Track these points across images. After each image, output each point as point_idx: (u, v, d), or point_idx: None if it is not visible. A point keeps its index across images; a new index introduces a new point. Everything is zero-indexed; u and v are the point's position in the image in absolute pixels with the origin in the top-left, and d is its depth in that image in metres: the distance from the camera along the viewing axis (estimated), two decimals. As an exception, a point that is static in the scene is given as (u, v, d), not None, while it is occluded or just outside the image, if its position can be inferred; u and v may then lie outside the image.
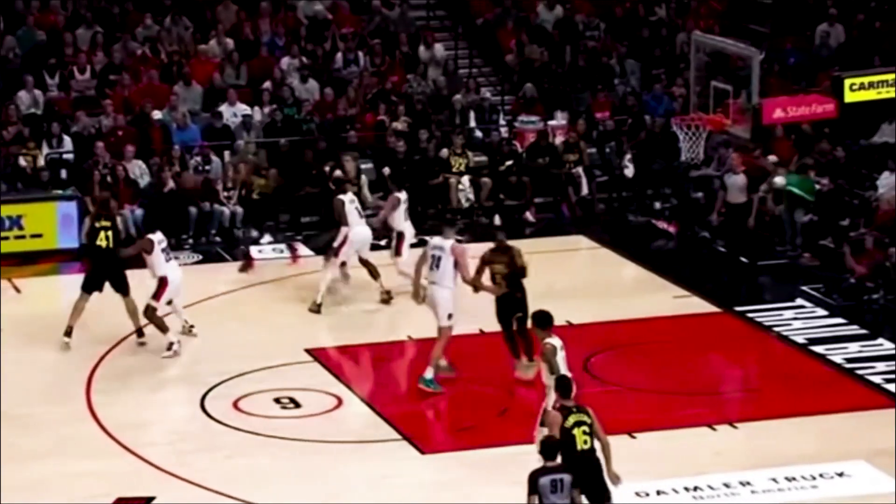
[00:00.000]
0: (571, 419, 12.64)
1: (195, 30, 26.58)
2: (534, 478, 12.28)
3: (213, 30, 26.43)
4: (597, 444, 12.69)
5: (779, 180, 21.41)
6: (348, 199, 19.56)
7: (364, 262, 19.62)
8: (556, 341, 14.34)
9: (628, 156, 24.36)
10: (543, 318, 14.62)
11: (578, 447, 12.58)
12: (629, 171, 24.29)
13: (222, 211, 23.04)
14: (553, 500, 12.23)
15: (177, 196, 22.90)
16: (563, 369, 14.10)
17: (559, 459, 12.30)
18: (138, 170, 23.30)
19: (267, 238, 22.99)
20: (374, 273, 19.60)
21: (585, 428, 12.63)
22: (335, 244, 19.45)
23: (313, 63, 26.25)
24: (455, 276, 16.58)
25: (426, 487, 14.73)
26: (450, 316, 16.59)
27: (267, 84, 25.55)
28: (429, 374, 16.60)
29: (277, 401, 16.71)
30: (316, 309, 19.23)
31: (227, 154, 24.06)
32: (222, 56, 26.06)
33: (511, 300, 17.07)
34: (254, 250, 22.31)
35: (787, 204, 22.10)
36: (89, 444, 15.62)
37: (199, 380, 17.21)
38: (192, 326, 18.55)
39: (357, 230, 19.43)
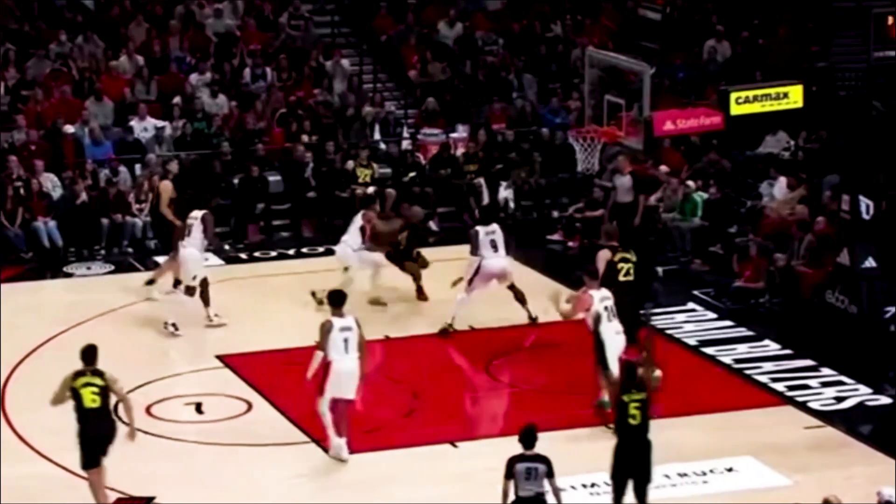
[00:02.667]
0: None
1: (106, 46, 26.37)
2: (511, 464, 12.41)
3: (124, 47, 26.24)
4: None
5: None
6: (483, 231, 18.88)
7: (511, 288, 19.05)
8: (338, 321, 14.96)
9: (505, 183, 24.52)
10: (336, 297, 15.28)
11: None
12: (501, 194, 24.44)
13: (134, 222, 22.88)
14: (527, 486, 12.30)
15: (89, 208, 22.73)
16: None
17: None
18: (50, 183, 23.10)
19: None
20: (520, 299, 19.01)
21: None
22: (468, 274, 18.78)
23: (222, 78, 26.14)
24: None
25: (336, 489, 14.72)
26: None
27: (177, 99, 25.40)
28: None
29: (189, 406, 16.62)
30: (447, 328, 18.82)
31: (137, 167, 23.90)
32: (133, 72, 25.88)
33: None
34: (163, 260, 22.17)
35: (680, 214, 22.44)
36: (2, 449, 15.41)
37: (112, 386, 17.04)
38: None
39: (490, 262, 18.76)
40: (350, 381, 14.92)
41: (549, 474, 12.48)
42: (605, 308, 15.95)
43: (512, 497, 12.46)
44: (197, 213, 19.04)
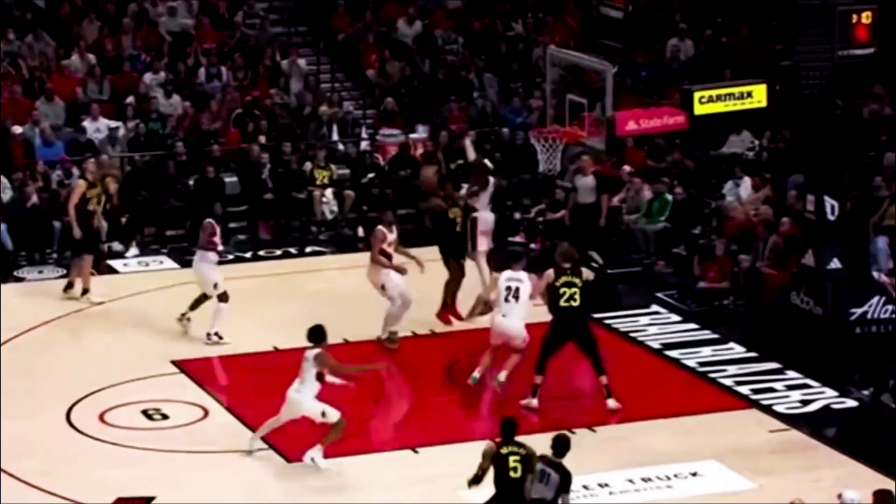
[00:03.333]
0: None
1: (57, 45, 26.19)
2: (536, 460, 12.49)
3: (76, 45, 26.07)
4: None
5: None
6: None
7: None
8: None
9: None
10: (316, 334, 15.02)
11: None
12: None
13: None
14: (539, 489, 12.33)
15: (40, 210, 22.54)
16: None
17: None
18: (0, 185, 22.91)
19: (133, 251, 22.72)
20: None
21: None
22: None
23: (176, 78, 26.01)
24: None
25: (293, 496, 14.64)
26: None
27: (130, 99, 25.25)
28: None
29: (144, 413, 16.51)
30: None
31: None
32: (85, 71, 25.71)
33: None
34: (118, 264, 22.08)
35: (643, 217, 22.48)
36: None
37: (64, 392, 16.92)
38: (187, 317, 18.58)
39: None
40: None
41: (564, 489, 12.39)
42: (507, 288, 16.59)
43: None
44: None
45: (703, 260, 20.74)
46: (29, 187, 22.66)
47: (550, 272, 16.52)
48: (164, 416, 16.45)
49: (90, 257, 20.44)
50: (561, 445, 12.57)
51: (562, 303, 16.35)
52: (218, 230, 18.79)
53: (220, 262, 18.99)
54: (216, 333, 18.48)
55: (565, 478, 12.42)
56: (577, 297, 16.32)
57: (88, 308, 19.99)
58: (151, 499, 14.18)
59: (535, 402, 16.46)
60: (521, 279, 16.80)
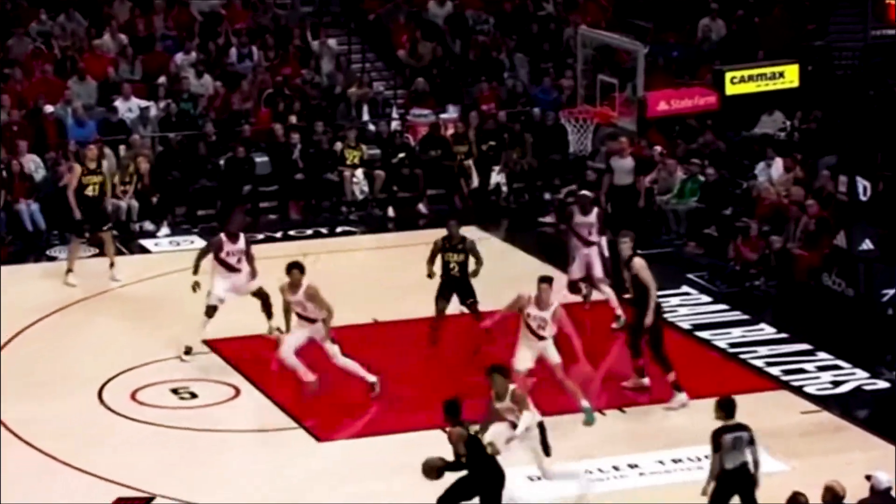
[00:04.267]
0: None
1: (89, 25, 26.32)
2: (716, 437, 12.65)
3: (108, 25, 26.17)
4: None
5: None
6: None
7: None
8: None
9: (497, 167, 24.50)
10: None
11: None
12: (494, 179, 24.43)
13: (118, 205, 22.82)
14: (734, 456, 12.57)
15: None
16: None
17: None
18: (33, 164, 23.03)
19: (164, 231, 22.85)
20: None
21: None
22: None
23: (207, 58, 26.10)
24: None
25: (323, 475, 14.74)
26: None
27: (162, 79, 25.36)
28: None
29: (175, 391, 16.64)
30: None
31: (122, 148, 23.86)
32: (117, 51, 25.83)
33: (464, 286, 17.42)
34: (150, 243, 22.22)
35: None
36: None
37: (96, 372, 17.06)
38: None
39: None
40: None
41: (752, 442, 12.73)
42: None
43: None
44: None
45: (736, 240, 20.68)
46: (61, 167, 22.76)
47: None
48: (195, 395, 16.56)
49: (79, 241, 20.49)
50: (730, 407, 12.80)
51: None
52: (227, 246, 17.57)
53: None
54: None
55: (750, 433, 12.71)
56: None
57: (119, 288, 20.11)
58: (151, 499, 14.20)
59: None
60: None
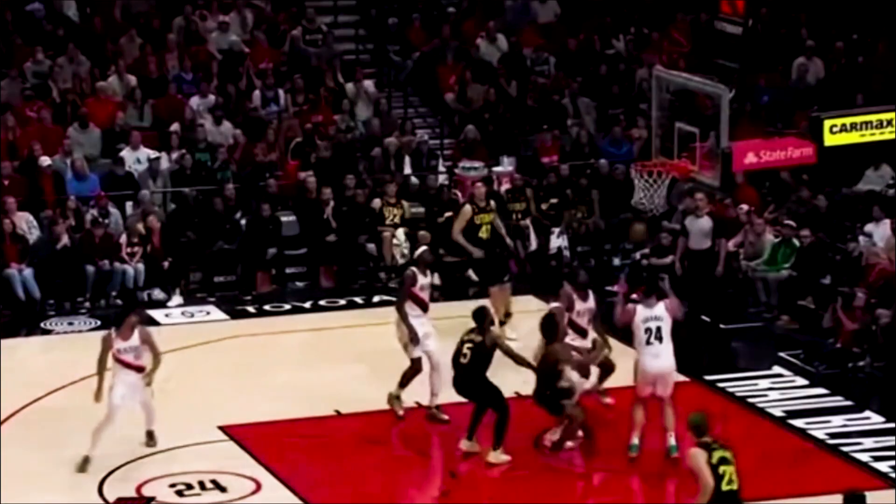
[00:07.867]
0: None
1: (93, 65, 26.57)
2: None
3: (114, 65, 26.43)
4: None
5: None
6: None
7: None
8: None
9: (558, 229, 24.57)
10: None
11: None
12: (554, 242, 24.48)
13: (124, 270, 22.95)
14: None
15: (71, 253, 22.80)
16: None
17: None
18: (26, 224, 23.20)
19: (176, 300, 22.95)
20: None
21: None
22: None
23: (227, 102, 26.30)
24: None
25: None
26: None
27: (175, 126, 25.56)
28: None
29: (188, 486, 16.63)
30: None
31: (129, 205, 24.02)
32: (124, 94, 26.06)
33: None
34: (159, 314, 22.29)
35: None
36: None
37: (98, 461, 17.06)
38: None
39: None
40: None
41: None
42: (647, 330, 16.93)
43: None
44: None
45: (845, 310, 20.54)
46: (59, 226, 22.91)
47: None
48: (211, 490, 16.53)
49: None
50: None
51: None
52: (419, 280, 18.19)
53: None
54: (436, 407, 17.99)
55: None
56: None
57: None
58: (151, 499, 14.45)
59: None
60: (661, 316, 16.91)
